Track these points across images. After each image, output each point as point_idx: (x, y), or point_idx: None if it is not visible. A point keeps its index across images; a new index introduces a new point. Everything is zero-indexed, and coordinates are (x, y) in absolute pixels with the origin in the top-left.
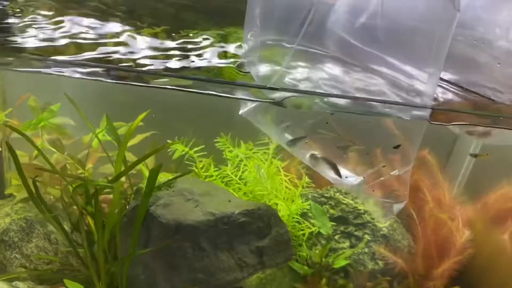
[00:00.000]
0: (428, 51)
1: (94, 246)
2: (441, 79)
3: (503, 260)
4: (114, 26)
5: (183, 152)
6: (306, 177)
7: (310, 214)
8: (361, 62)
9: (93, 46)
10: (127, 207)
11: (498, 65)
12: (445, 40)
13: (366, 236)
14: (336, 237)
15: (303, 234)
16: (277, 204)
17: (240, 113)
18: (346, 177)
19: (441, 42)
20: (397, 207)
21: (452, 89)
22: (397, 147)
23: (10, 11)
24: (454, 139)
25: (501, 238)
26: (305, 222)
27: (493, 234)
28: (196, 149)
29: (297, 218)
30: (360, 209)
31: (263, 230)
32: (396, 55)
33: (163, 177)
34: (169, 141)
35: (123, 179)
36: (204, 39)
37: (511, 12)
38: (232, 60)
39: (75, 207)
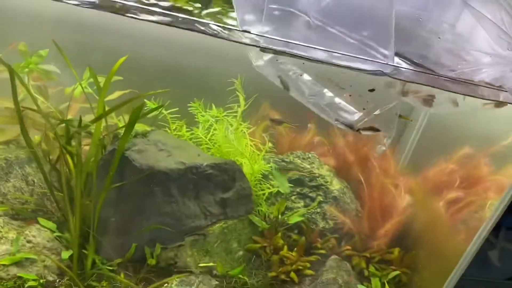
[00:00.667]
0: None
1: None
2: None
3: (438, 224)
4: None
5: (157, 113)
6: (270, 143)
7: (271, 177)
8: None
9: None
10: (105, 151)
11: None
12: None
13: (319, 197)
14: (293, 197)
15: (264, 194)
16: (242, 163)
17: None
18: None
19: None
20: (387, 141)
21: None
22: (371, 90)
23: None
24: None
25: (437, 205)
26: (266, 183)
27: (430, 202)
28: (170, 110)
29: (259, 178)
30: (315, 173)
31: (228, 183)
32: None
33: (140, 127)
34: (146, 100)
35: (102, 127)
36: None
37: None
38: None
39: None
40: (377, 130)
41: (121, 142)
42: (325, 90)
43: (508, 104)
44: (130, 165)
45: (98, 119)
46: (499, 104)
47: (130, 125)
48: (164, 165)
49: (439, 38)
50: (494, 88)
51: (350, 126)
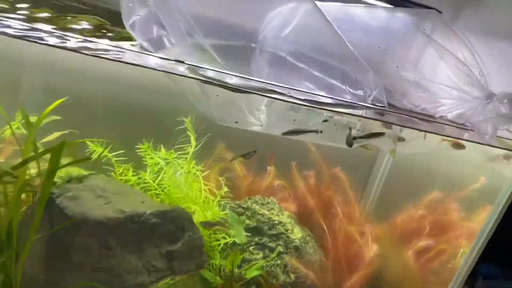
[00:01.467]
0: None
1: None
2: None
3: (408, 276)
4: None
5: (101, 155)
6: (225, 187)
7: (226, 224)
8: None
9: None
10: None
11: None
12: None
13: (279, 247)
14: (251, 248)
15: (218, 245)
16: (193, 210)
17: None
18: None
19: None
20: None
21: None
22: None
23: None
24: (375, 157)
25: (407, 255)
26: (221, 232)
27: (399, 251)
28: (116, 153)
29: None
30: (274, 220)
31: (176, 234)
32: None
33: (76, 172)
34: (88, 142)
35: (32, 171)
36: None
37: None
38: None
39: None
40: (381, 134)
41: (43, 188)
42: None
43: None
44: (61, 213)
45: (23, 164)
46: (459, 146)
47: (52, 169)
48: (100, 213)
49: (396, 67)
50: (458, 126)
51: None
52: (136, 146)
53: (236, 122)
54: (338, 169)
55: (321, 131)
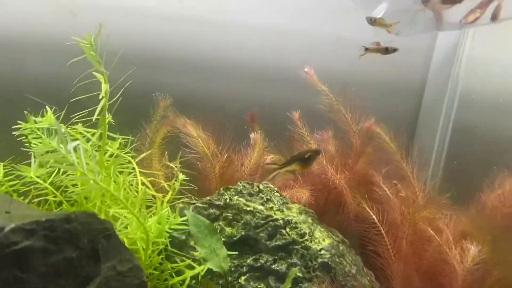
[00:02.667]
0: None
1: None
2: None
3: None
4: None
5: None
6: (182, 175)
7: (191, 241)
8: None
9: None
10: None
11: None
12: None
13: (294, 270)
14: (242, 279)
15: (181, 283)
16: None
17: None
18: None
19: None
20: None
21: None
22: None
23: None
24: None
25: None
26: (181, 255)
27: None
28: None
29: (163, 245)
30: (277, 219)
31: (81, 265)
32: None
33: None
34: None
35: None
36: None
37: None
38: None
39: None
40: None
41: None
42: None
43: None
44: None
45: None
46: None
47: None
48: None
49: None
50: None
51: None
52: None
53: None
54: (373, 121)
55: None
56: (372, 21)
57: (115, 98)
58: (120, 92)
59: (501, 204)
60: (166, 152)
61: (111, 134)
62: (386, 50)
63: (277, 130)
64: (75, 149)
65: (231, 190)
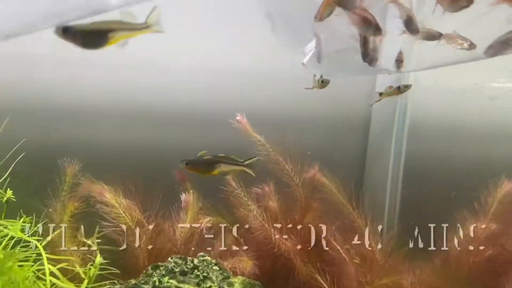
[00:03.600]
0: None
1: None
2: None
3: None
4: None
5: None
6: (100, 257)
7: None
8: None
9: None
10: None
11: None
12: None
13: None
14: None
15: None
16: None
17: None
18: None
19: None
20: None
21: None
22: None
23: None
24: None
25: None
26: None
27: None
28: None
29: None
30: None
31: None
32: None
33: None
34: None
35: None
36: None
37: None
38: None
39: None
40: None
41: None
42: None
43: None
44: None
45: None
46: None
47: None
48: None
49: None
50: None
51: None
52: None
53: None
54: (316, 170)
55: None
56: None
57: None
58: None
59: (466, 252)
60: (82, 227)
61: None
62: (399, 89)
63: (213, 186)
64: None
65: (161, 268)
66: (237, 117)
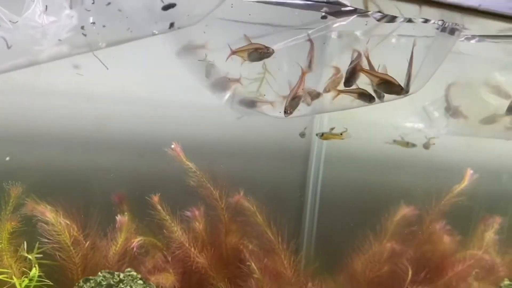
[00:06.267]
0: None
1: None
2: None
3: None
4: None
5: None
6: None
7: None
8: None
9: None
10: None
11: None
12: None
13: None
14: None
15: None
16: None
17: None
18: None
19: None
20: None
21: None
22: None
23: None
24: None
25: None
26: None
27: None
28: None
29: None
30: None
31: None
32: None
33: None
34: None
35: None
36: None
37: None
38: None
39: None
40: None
41: None
42: None
43: None
44: None
45: None
46: None
47: None
48: None
49: None
50: None
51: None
52: None
53: None
54: (241, 195)
55: None
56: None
57: None
58: None
59: (366, 269)
60: (24, 242)
61: None
62: (407, 144)
63: (148, 209)
64: None
65: (91, 281)
66: (172, 145)
